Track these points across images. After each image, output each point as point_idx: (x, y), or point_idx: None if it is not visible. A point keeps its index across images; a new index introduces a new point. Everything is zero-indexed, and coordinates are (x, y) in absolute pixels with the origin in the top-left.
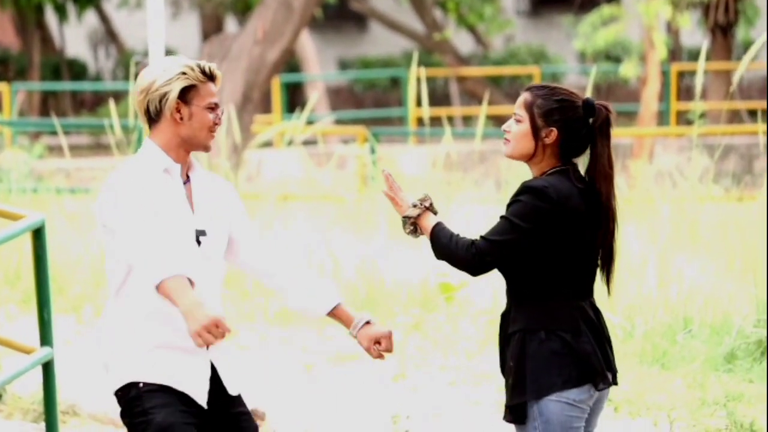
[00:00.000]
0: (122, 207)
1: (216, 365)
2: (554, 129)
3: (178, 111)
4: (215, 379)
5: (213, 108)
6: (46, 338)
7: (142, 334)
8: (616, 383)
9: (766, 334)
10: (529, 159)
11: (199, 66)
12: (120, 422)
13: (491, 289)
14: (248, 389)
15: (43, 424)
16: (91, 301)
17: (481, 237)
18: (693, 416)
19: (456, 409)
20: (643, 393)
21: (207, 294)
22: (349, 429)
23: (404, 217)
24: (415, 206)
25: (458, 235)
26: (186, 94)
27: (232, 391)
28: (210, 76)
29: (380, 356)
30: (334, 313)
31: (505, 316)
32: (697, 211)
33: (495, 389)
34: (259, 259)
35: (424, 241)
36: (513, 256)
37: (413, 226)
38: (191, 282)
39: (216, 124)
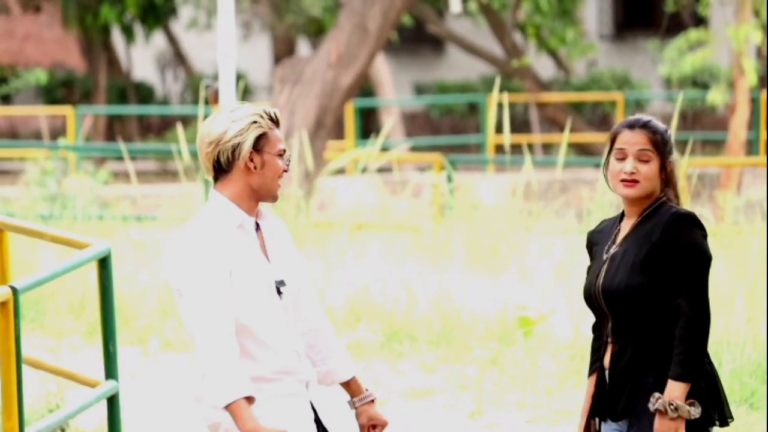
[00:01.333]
0: (195, 280)
1: (315, 406)
2: (671, 159)
3: (251, 160)
4: (317, 421)
5: (282, 155)
6: (111, 371)
7: (260, 388)
8: None
9: None
10: (652, 195)
11: (267, 113)
12: None
13: (572, 323)
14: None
15: None
16: (157, 333)
17: (688, 298)
18: None
19: None
20: None
21: (295, 350)
22: None
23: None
24: (675, 408)
25: (677, 344)
26: (258, 143)
27: (332, 428)
28: (276, 122)
29: None
30: (348, 383)
31: (620, 356)
32: None
33: (575, 427)
34: (311, 315)
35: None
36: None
37: (681, 410)
38: (251, 399)
39: (285, 170)
